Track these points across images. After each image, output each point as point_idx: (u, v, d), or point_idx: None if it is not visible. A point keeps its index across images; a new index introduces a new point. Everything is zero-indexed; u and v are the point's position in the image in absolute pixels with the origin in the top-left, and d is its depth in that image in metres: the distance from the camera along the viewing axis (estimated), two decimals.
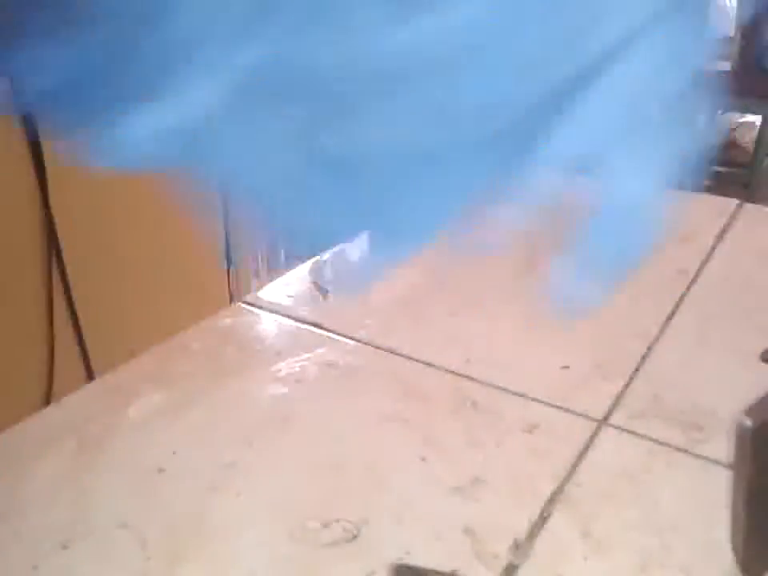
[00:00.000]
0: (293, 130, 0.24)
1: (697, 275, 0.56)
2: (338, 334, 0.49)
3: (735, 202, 0.67)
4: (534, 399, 0.42)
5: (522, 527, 0.33)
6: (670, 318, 0.51)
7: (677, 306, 0.52)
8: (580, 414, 0.41)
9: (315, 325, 0.50)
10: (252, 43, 0.23)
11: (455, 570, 0.31)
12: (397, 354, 0.47)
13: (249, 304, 0.53)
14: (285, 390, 0.43)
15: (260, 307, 0.52)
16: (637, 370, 0.45)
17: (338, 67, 0.23)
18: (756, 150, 2.04)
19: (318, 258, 0.57)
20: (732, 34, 2.90)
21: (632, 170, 0.28)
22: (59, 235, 0.77)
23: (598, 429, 0.40)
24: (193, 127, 0.23)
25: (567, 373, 0.45)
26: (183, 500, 0.35)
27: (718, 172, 1.75)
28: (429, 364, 0.46)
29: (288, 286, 0.55)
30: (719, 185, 1.03)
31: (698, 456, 0.38)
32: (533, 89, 0.25)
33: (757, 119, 2.16)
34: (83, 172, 0.30)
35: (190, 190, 0.25)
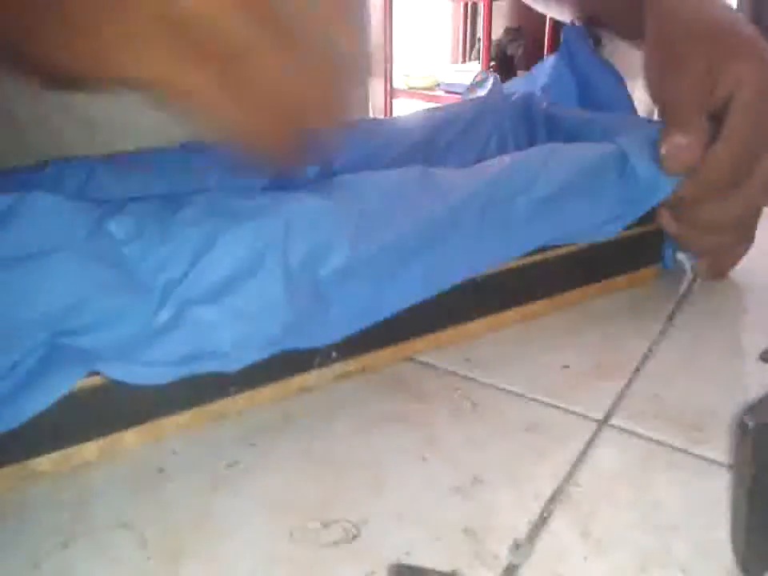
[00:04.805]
0: None
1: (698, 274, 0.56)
2: None
3: None
4: (533, 399, 0.42)
5: (522, 527, 0.33)
6: (670, 317, 0.51)
7: (677, 305, 0.52)
8: (580, 414, 0.41)
9: None
10: None
11: (455, 570, 0.31)
12: None
13: None
14: None
15: None
16: (637, 369, 0.45)
17: None
18: None
19: None
20: None
21: None
22: None
23: (598, 429, 0.40)
24: None
25: (567, 373, 0.45)
26: (183, 500, 0.35)
27: None
28: (429, 364, 0.46)
29: None
30: None
31: (697, 456, 0.38)
32: None
33: None
34: None
35: None
